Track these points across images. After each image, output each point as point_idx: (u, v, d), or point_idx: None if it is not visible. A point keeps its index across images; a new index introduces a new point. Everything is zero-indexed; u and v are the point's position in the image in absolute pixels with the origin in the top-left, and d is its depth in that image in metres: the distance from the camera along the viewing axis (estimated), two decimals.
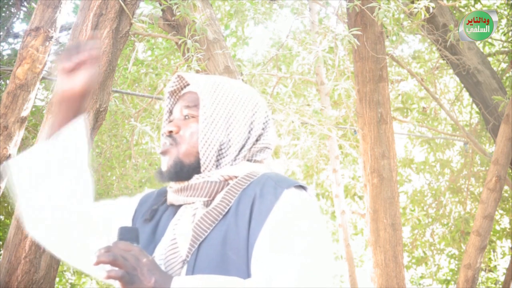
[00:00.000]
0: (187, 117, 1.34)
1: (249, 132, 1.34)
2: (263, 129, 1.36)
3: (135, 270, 1.09)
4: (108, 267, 1.09)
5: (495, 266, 7.95)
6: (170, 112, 1.42)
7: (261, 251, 1.16)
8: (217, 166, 1.30)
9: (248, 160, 1.35)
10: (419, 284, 7.96)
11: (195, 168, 1.31)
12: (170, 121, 1.39)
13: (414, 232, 7.36)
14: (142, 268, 1.10)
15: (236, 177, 1.29)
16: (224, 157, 1.31)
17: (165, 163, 1.32)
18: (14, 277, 2.76)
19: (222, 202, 1.25)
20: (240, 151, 1.32)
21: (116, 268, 1.08)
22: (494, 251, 7.81)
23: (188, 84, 1.41)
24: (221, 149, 1.31)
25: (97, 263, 1.08)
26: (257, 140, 1.35)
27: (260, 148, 1.36)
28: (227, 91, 1.35)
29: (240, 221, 1.20)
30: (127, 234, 1.16)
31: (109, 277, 1.07)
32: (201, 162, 1.30)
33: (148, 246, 1.28)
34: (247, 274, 1.17)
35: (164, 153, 1.33)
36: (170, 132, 1.33)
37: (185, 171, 1.30)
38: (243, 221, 1.20)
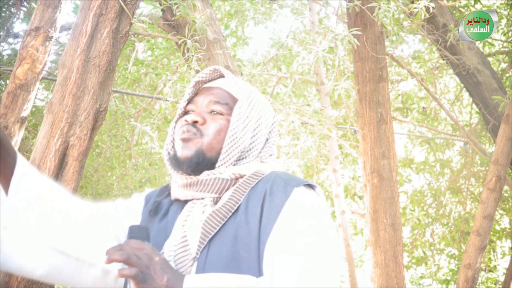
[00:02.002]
0: (214, 112, 1.35)
1: (267, 140, 1.40)
2: (274, 136, 1.43)
3: (148, 269, 1.08)
4: (120, 265, 1.09)
5: (495, 266, 7.95)
6: (189, 101, 1.42)
7: (272, 250, 1.16)
8: (234, 165, 1.33)
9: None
10: (419, 284, 7.96)
11: (212, 164, 1.32)
12: (187, 112, 1.39)
13: (414, 232, 7.36)
14: (155, 267, 1.09)
15: (246, 175, 1.32)
16: (243, 158, 1.34)
17: (184, 150, 1.31)
18: (14, 277, 2.76)
19: (231, 199, 1.25)
20: (257, 155, 1.38)
21: (128, 267, 1.08)
22: (494, 251, 7.82)
23: (215, 79, 1.43)
24: (243, 153, 1.34)
25: (109, 261, 1.07)
26: (269, 145, 1.42)
27: (270, 153, 1.41)
28: (259, 99, 1.40)
29: (250, 219, 1.21)
30: (137, 233, 1.15)
31: (122, 275, 1.06)
32: (221, 158, 1.31)
33: (157, 241, 1.28)
34: (258, 272, 1.17)
35: (186, 140, 1.31)
36: (195, 122, 1.33)
37: (204, 164, 1.31)
38: (254, 219, 1.21)
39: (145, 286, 1.07)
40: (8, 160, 1.20)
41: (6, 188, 1.20)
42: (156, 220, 1.33)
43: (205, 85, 1.42)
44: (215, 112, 1.35)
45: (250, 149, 1.35)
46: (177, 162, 1.32)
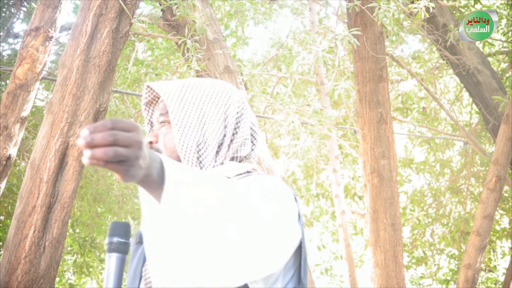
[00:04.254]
0: (163, 123, 1.34)
1: (225, 128, 1.32)
2: (237, 122, 1.34)
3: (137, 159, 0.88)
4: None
5: (495, 266, 7.95)
6: (151, 123, 1.42)
7: None
8: (200, 168, 1.29)
9: (232, 158, 1.33)
10: (419, 284, 7.95)
11: None
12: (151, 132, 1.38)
13: (414, 232, 7.36)
14: (145, 156, 0.90)
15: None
16: (205, 157, 1.30)
17: None
18: (14, 277, 2.76)
19: None
20: (219, 148, 1.31)
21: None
22: (494, 251, 7.81)
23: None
24: (199, 150, 1.29)
25: (88, 144, 0.84)
26: (234, 135, 1.33)
27: (241, 142, 1.34)
28: (196, 90, 1.34)
29: None
30: (117, 230, 1.15)
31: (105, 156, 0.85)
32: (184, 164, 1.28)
33: (138, 263, 1.26)
34: None
35: None
36: (151, 143, 1.33)
37: None
38: None
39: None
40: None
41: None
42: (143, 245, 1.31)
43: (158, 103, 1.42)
44: (164, 123, 1.34)
45: (207, 145, 1.29)
46: None
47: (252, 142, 1.38)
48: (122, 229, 1.16)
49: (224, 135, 1.32)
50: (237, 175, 1.28)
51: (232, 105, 1.34)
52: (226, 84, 1.40)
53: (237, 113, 1.35)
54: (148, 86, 1.40)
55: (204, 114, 1.31)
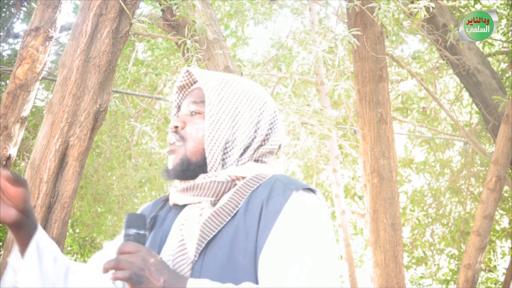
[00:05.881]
0: (193, 113, 1.33)
1: (255, 132, 1.32)
2: (269, 129, 1.35)
3: (143, 271, 1.07)
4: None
5: (495, 266, 7.95)
6: (179, 107, 1.41)
7: (270, 257, 1.14)
8: (223, 165, 1.29)
9: (255, 161, 1.33)
10: (419, 284, 7.96)
11: (201, 167, 1.29)
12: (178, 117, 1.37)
13: (414, 232, 7.37)
14: (150, 268, 1.08)
15: (243, 177, 1.27)
16: (229, 156, 1.29)
17: (171, 162, 1.31)
18: None
19: (230, 202, 1.23)
20: (245, 150, 1.31)
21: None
22: (494, 251, 7.82)
23: (197, 80, 1.40)
24: (226, 147, 1.29)
25: (105, 271, 1.07)
26: (264, 141, 1.34)
27: (269, 150, 1.34)
28: (235, 88, 1.34)
29: (249, 223, 1.19)
30: (134, 221, 1.14)
31: (115, 278, 1.06)
32: (207, 160, 1.28)
33: (154, 248, 1.27)
34: (254, 277, 1.16)
35: (171, 152, 1.31)
36: (176, 127, 1.32)
37: (191, 169, 1.29)
38: (252, 223, 1.19)
39: (141, 287, 1.07)
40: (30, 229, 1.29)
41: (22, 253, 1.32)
42: (152, 233, 1.32)
43: (190, 89, 1.41)
44: (194, 113, 1.33)
45: (234, 145, 1.29)
46: (168, 174, 1.33)
47: (277, 152, 1.38)
48: (139, 221, 1.15)
49: (253, 139, 1.32)
50: (256, 175, 1.27)
51: (266, 111, 1.35)
52: (263, 90, 1.40)
53: (270, 120, 1.35)
54: (187, 71, 1.39)
55: (238, 113, 1.31)
